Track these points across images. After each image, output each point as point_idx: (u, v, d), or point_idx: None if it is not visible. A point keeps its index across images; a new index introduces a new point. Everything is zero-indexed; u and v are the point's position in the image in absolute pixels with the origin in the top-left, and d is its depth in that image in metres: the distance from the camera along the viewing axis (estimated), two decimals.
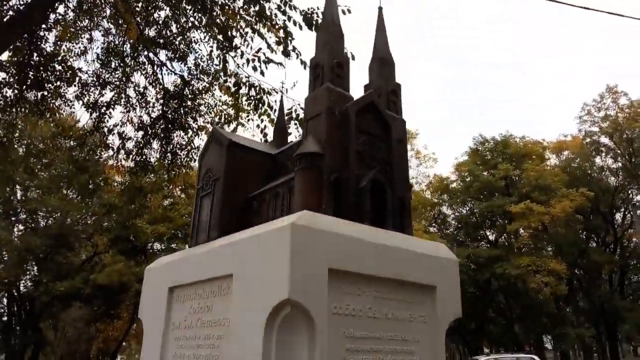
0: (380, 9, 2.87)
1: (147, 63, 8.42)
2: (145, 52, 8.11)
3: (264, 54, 5.98)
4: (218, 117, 7.98)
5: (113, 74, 8.53)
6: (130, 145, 8.58)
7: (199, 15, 6.53)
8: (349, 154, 2.22)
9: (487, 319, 25.99)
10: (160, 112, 8.58)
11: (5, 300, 23.93)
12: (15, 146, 7.25)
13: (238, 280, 1.99)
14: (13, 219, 22.97)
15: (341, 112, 2.28)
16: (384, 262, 2.08)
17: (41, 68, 7.63)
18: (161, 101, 8.58)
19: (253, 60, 5.99)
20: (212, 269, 2.19)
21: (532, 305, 22.49)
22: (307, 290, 1.77)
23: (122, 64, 8.49)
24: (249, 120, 7.10)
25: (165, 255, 2.85)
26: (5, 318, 23.77)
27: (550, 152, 27.82)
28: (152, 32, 8.02)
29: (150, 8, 7.53)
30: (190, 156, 8.47)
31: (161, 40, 7.96)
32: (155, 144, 8.65)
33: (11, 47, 7.01)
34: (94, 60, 8.39)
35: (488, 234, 27.18)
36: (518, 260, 21.16)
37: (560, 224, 23.14)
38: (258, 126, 6.59)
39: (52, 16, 7.49)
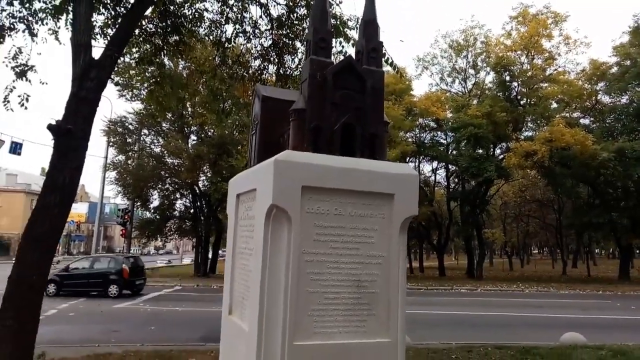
0: None
1: None
2: None
3: None
4: None
5: (232, 9, 9.99)
6: (250, 72, 10.20)
7: None
8: (325, 106, 3.24)
9: None
10: (272, 40, 9.91)
11: (190, 196, 29.78)
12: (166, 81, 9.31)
13: (257, 192, 3.29)
14: (186, 130, 27.73)
15: (322, 76, 3.27)
16: (347, 179, 3.15)
17: (175, 15, 9.40)
18: (272, 31, 9.86)
19: None
20: (249, 185, 3.53)
21: None
22: (285, 199, 2.99)
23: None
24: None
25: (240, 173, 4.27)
26: (192, 210, 29.78)
27: None
28: None
29: None
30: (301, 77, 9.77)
31: None
32: (272, 69, 10.14)
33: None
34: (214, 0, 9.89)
35: None
36: None
37: None
38: (340, 51, 7.52)
39: None
